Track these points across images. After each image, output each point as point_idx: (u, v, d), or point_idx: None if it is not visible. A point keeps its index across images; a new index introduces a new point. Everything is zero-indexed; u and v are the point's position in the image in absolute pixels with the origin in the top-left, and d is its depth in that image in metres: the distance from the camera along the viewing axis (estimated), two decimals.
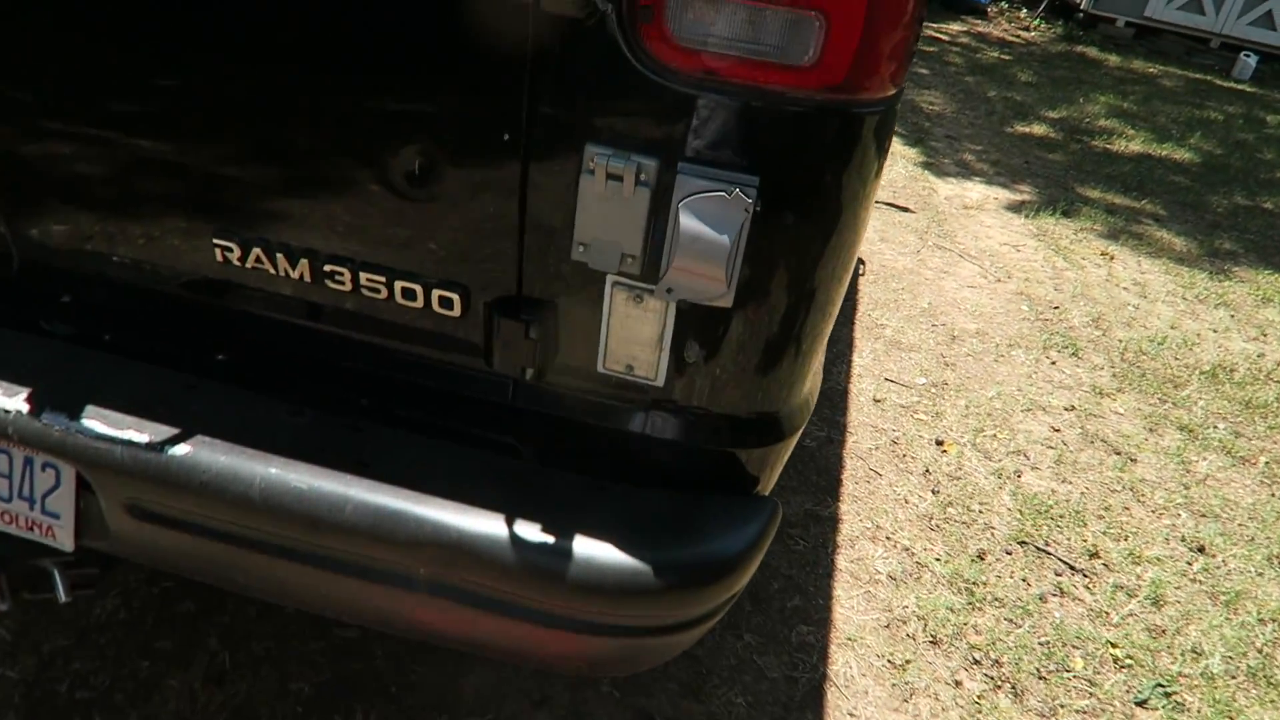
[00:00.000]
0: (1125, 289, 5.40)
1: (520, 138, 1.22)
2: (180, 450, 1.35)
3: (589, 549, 1.30)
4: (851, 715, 2.52)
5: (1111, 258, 5.83)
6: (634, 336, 1.34)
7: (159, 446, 1.35)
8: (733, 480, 1.48)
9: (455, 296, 1.38)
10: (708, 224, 1.16)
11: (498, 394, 1.48)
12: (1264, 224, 6.86)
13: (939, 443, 3.71)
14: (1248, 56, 12.20)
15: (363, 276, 1.40)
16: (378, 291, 1.41)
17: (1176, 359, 4.63)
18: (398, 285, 1.40)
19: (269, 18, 1.22)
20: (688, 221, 1.16)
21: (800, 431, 1.49)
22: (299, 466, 1.36)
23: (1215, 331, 5.02)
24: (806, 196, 1.22)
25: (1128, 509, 3.47)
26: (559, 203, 1.27)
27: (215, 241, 1.43)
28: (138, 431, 1.37)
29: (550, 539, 1.32)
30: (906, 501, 3.35)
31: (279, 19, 1.22)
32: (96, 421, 1.37)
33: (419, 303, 1.41)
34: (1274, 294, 5.60)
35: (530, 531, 1.31)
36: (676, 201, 1.17)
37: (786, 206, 1.21)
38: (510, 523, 1.34)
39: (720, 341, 1.34)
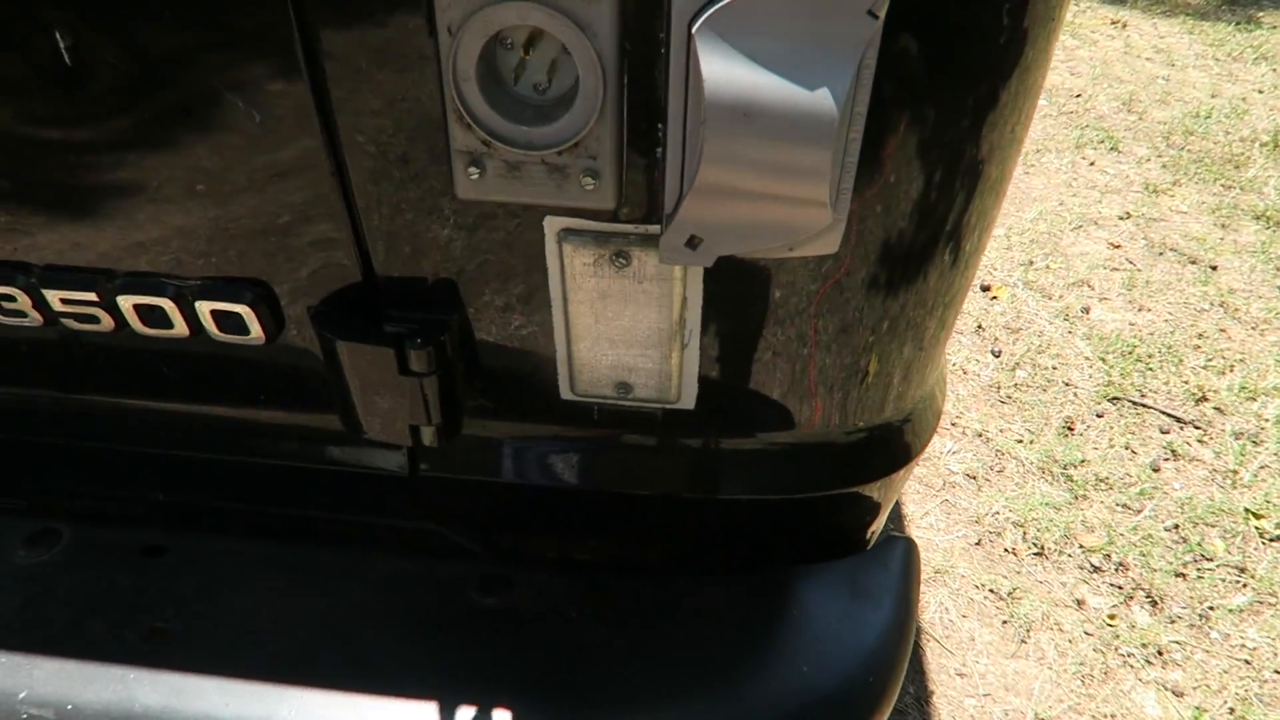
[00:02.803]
0: (1149, 59, 4.63)
1: None
2: None
3: None
4: (960, 674, 1.98)
5: (1124, 25, 5.02)
6: (620, 331, 0.65)
7: None
8: (836, 536, 0.82)
9: (244, 309, 0.67)
10: (773, 68, 0.44)
11: (388, 462, 0.78)
12: None
13: (985, 289, 3.06)
14: None
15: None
16: (93, 321, 0.70)
17: (1228, 133, 3.94)
18: (126, 302, 0.68)
19: None
20: (718, 68, 0.44)
21: (933, 434, 0.82)
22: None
23: (1261, 92, 4.30)
24: None
25: (1224, 331, 2.86)
26: (404, 69, 0.55)
27: None
28: None
29: None
30: (965, 372, 2.73)
31: None
32: None
33: (179, 327, 0.69)
34: None
35: None
36: (683, 21, 0.45)
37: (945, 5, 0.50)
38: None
39: (807, 315, 0.64)
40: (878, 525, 0.85)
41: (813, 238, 0.52)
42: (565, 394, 0.71)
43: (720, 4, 0.43)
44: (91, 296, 0.67)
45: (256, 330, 0.67)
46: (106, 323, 0.69)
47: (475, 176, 0.56)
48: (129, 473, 0.85)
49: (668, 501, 0.78)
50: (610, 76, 0.52)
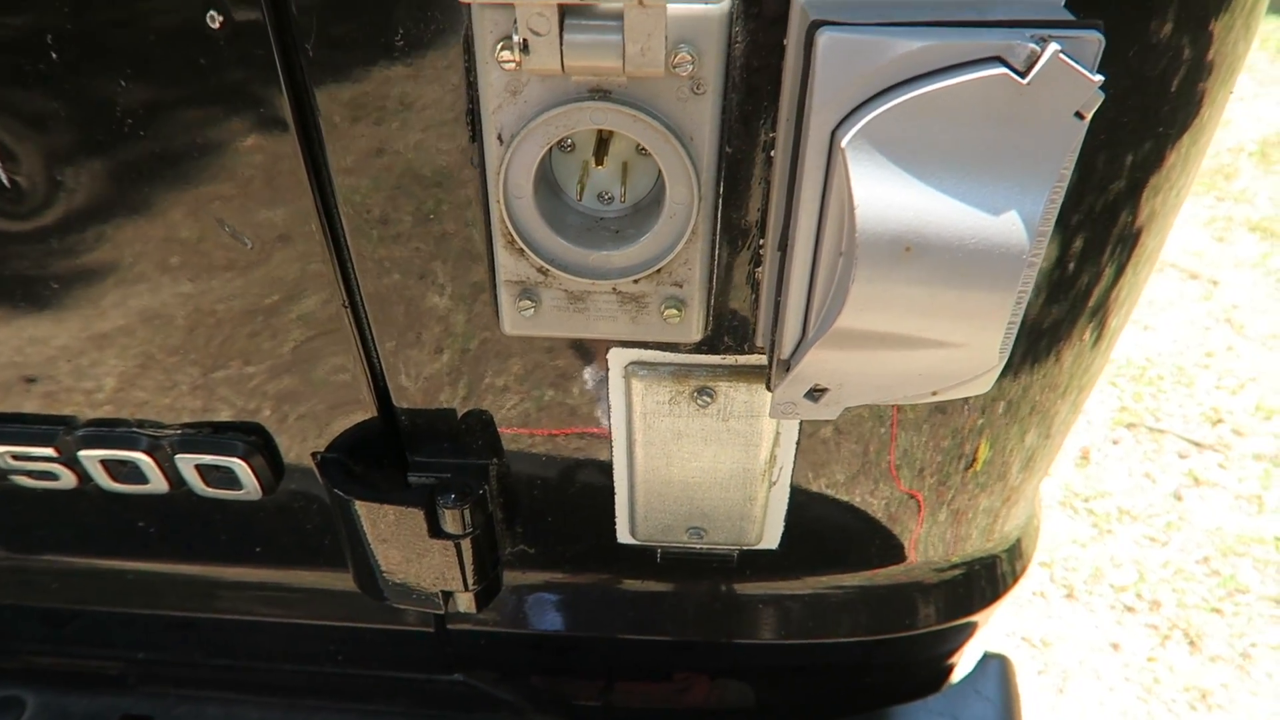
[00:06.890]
0: None
1: None
2: None
3: None
4: None
5: None
6: (697, 473, 0.53)
7: None
8: (927, 669, 0.71)
9: (235, 461, 0.54)
10: (947, 190, 0.33)
11: (411, 619, 0.66)
12: None
13: None
14: None
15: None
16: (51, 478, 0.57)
17: (1215, 143, 3.91)
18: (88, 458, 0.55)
19: None
20: (876, 191, 0.33)
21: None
22: None
23: (1243, 101, 4.29)
24: (1193, 46, 0.41)
25: (1231, 348, 2.81)
26: (435, 181, 0.43)
27: None
28: None
29: None
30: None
31: None
32: None
33: (156, 483, 0.57)
34: None
35: None
36: (826, 129, 0.34)
37: (1156, 76, 0.40)
38: None
39: (921, 427, 0.54)
40: (973, 647, 0.75)
41: (966, 382, 0.41)
42: (623, 538, 0.60)
43: (879, 110, 0.32)
44: (49, 451, 0.55)
45: (251, 484, 0.56)
46: (68, 479, 0.57)
47: (529, 312, 0.44)
48: (102, 631, 0.72)
49: (739, 648, 0.67)
50: (706, 190, 0.41)
